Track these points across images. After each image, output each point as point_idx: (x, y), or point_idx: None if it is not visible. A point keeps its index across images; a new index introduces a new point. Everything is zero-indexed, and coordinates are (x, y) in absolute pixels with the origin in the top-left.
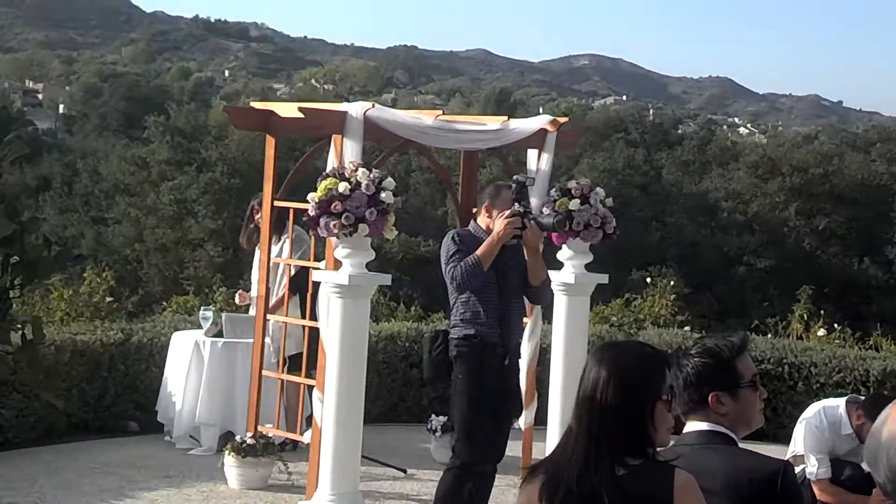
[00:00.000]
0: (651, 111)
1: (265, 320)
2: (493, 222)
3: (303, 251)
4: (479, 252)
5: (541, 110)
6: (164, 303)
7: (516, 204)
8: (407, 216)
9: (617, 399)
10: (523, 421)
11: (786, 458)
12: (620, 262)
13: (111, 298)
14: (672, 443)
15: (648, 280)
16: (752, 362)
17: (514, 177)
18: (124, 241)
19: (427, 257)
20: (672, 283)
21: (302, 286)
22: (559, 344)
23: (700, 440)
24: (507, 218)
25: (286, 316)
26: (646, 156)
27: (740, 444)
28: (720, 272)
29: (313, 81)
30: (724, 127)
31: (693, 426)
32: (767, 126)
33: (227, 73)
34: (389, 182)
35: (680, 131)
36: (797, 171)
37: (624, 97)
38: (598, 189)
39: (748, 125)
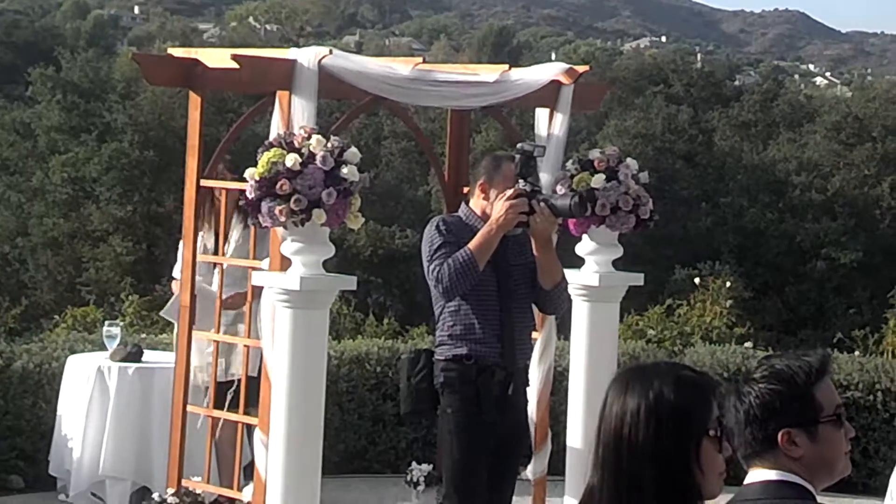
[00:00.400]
0: (699, 56)
1: (190, 336)
2: (490, 205)
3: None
4: (472, 245)
5: (553, 56)
6: (57, 316)
7: (521, 181)
8: (376, 198)
9: (650, 438)
10: (532, 470)
11: None
12: (660, 258)
13: None
14: (729, 497)
15: (697, 281)
16: (835, 390)
17: (518, 145)
18: (2, 234)
19: (404, 253)
20: (728, 284)
21: None
22: (580, 366)
23: (766, 493)
24: (508, 199)
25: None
26: (692, 116)
27: (819, 499)
28: (791, 269)
29: (251, 20)
30: (796, 76)
31: (757, 475)
32: (852, 75)
33: (136, 9)
34: (353, 153)
35: (737, 83)
36: (893, 135)
37: (663, 38)
38: (630, 160)
39: (827, 74)
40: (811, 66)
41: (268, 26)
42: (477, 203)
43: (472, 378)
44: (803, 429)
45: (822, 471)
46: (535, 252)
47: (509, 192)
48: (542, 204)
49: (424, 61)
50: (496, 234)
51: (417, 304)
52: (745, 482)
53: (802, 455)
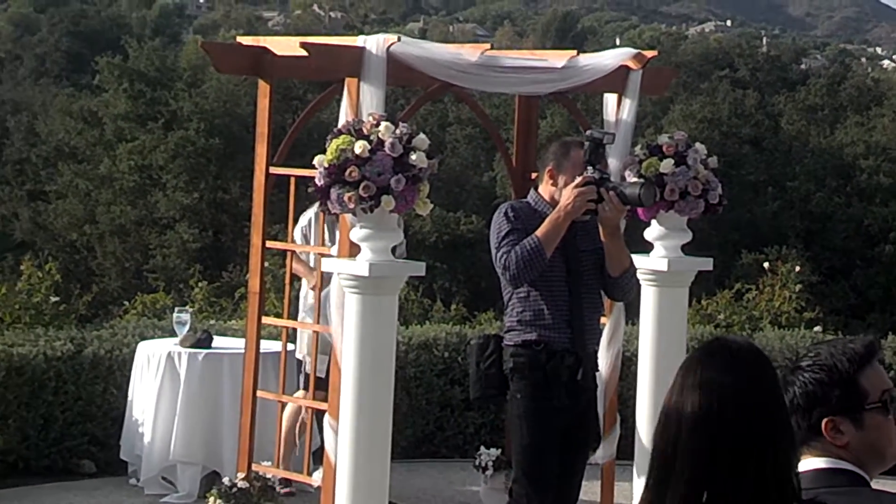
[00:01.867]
0: (765, 40)
1: (259, 322)
2: (559, 192)
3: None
4: (539, 232)
5: (618, 41)
6: (126, 303)
7: (590, 168)
8: (442, 185)
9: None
10: (602, 454)
11: None
12: (726, 242)
13: (56, 298)
14: None
15: (766, 265)
16: (885, 375)
17: (587, 132)
18: (71, 222)
19: (469, 239)
20: (798, 268)
21: None
22: (648, 351)
23: (818, 482)
24: (577, 187)
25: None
26: (758, 100)
27: (873, 485)
28: (859, 253)
29: (315, 8)
30: (863, 60)
31: (808, 464)
32: None
33: None
34: (422, 140)
35: (804, 66)
36: None
37: (728, 22)
38: (698, 145)
39: (894, 57)
40: (878, 49)
41: (332, 14)
42: (546, 189)
43: (541, 363)
44: (847, 416)
45: (872, 457)
46: (602, 239)
47: (578, 179)
48: (610, 192)
49: (492, 48)
50: (564, 221)
51: (483, 289)
52: (798, 470)
53: (849, 442)
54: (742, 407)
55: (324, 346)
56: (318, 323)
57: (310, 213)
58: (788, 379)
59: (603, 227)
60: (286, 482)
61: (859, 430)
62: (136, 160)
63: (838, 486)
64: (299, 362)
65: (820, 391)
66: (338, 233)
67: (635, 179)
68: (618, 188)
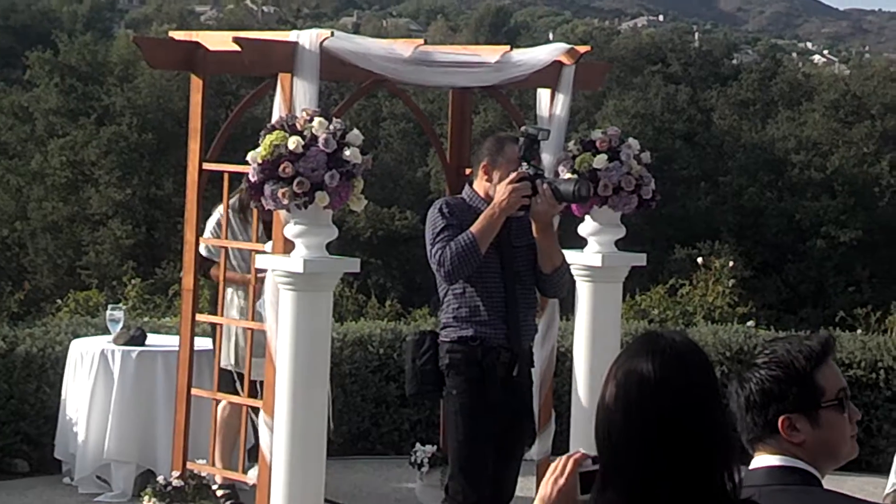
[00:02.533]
0: (696, 35)
1: (193, 320)
2: (493, 187)
3: None
4: (474, 228)
5: (551, 36)
6: (59, 300)
7: (524, 164)
8: (376, 180)
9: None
10: (537, 450)
11: (885, 496)
12: (659, 237)
13: None
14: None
15: (700, 260)
16: (840, 373)
17: (522, 128)
18: (1, 218)
19: (404, 234)
20: (731, 263)
21: None
22: (583, 347)
23: (770, 479)
24: (511, 183)
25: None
26: (691, 95)
27: (824, 483)
28: (791, 248)
29: (248, 2)
30: (794, 55)
31: (761, 461)
32: (851, 53)
33: None
34: (356, 135)
35: (735, 61)
36: (892, 113)
37: (660, 17)
38: (632, 140)
39: (825, 52)
40: (809, 45)
41: (265, 8)
42: (480, 184)
43: (477, 359)
44: (804, 414)
45: (826, 455)
46: (535, 235)
47: (513, 174)
48: (545, 187)
49: (425, 43)
50: (499, 217)
51: (418, 285)
52: (750, 467)
53: (804, 440)
54: (659, 398)
55: (258, 350)
56: (251, 320)
57: (218, 212)
58: (745, 376)
59: (535, 222)
60: (230, 493)
61: (815, 428)
62: (67, 156)
63: (791, 483)
64: (226, 372)
65: (777, 388)
66: (250, 230)
67: (569, 175)
68: (552, 184)
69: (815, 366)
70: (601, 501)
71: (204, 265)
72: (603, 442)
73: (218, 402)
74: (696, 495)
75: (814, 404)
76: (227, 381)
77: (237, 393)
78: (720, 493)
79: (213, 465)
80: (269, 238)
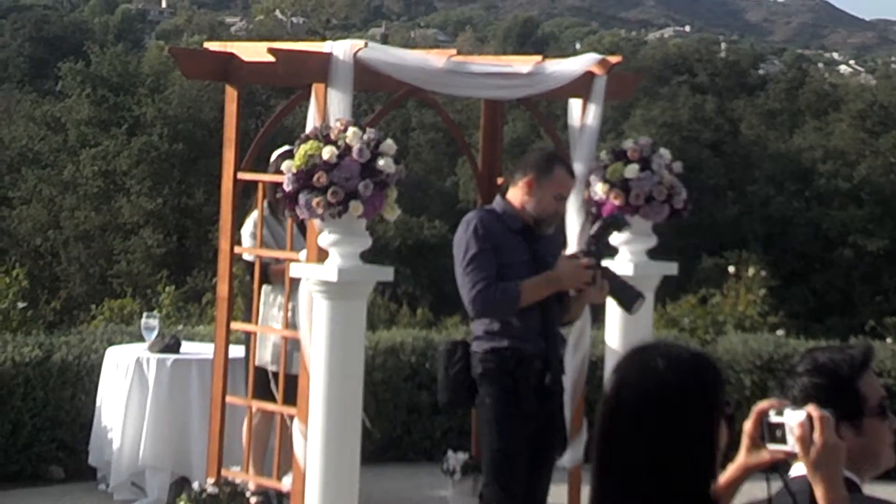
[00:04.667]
0: (723, 45)
1: (228, 328)
2: (532, 202)
3: None
4: (525, 287)
5: (578, 46)
6: (92, 307)
7: (593, 246)
8: (405, 190)
9: (668, 424)
10: (569, 459)
11: None
12: (687, 246)
13: (24, 304)
14: (774, 491)
15: (731, 270)
16: (878, 382)
17: (608, 215)
18: (35, 227)
19: (432, 244)
20: (762, 273)
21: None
22: (614, 355)
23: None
24: (582, 266)
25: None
26: (718, 105)
27: (865, 491)
28: (818, 257)
29: (277, 13)
30: (820, 65)
31: (801, 468)
32: (877, 63)
33: (163, 3)
34: (389, 145)
35: (762, 72)
36: None
37: (687, 27)
38: (663, 150)
39: (851, 62)
40: (835, 55)
41: (294, 19)
42: (518, 197)
43: (510, 369)
44: (848, 422)
45: (868, 463)
46: (571, 295)
47: (583, 259)
48: (604, 279)
49: (458, 53)
50: (553, 288)
51: (447, 294)
52: (792, 475)
53: (848, 448)
54: (662, 392)
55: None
56: (286, 328)
57: (252, 219)
58: (787, 383)
59: (579, 301)
60: (262, 500)
61: (858, 435)
62: (99, 166)
63: None
64: (260, 371)
65: (822, 396)
66: (285, 224)
67: (629, 283)
68: (615, 279)
69: (857, 374)
70: (597, 491)
71: (261, 270)
72: (603, 433)
73: (252, 409)
74: (687, 495)
75: (858, 412)
76: (262, 382)
77: (271, 392)
78: (705, 499)
79: (248, 472)
80: (304, 235)
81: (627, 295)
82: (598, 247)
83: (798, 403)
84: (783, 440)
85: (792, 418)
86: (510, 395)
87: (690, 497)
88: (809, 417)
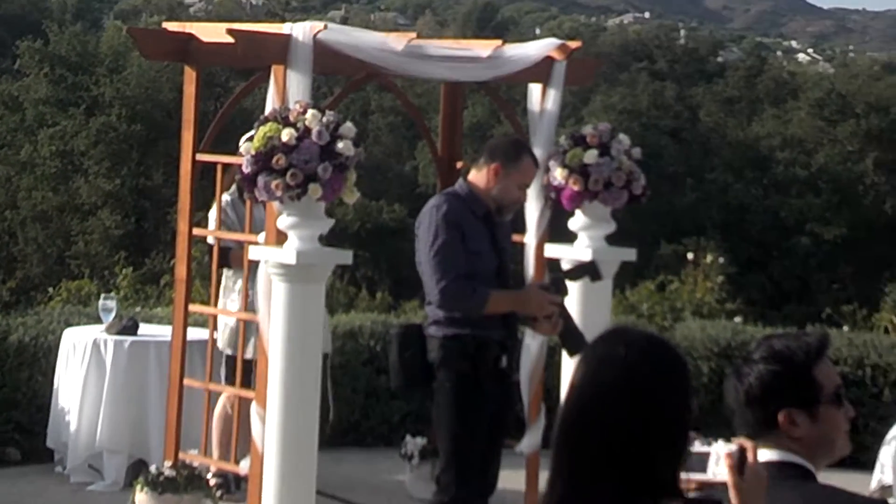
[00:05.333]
0: (682, 32)
1: (186, 310)
2: (498, 189)
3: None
4: (495, 296)
5: (538, 31)
6: (49, 289)
7: (563, 286)
8: (364, 173)
9: (630, 416)
10: (527, 443)
11: (872, 492)
12: (645, 233)
13: None
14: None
15: (689, 256)
16: (834, 369)
17: (579, 262)
18: None
19: (391, 227)
20: (720, 260)
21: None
22: None
23: (769, 473)
24: (549, 301)
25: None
26: (677, 92)
27: (819, 478)
28: (776, 245)
29: None
30: (779, 53)
31: (759, 455)
32: (835, 52)
33: None
34: (349, 128)
35: (721, 59)
36: (876, 112)
37: (646, 14)
38: (622, 136)
39: (810, 50)
40: (793, 43)
41: (253, 0)
42: (481, 179)
43: (470, 353)
44: (804, 409)
45: (823, 450)
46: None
47: (555, 297)
48: (560, 320)
49: (418, 36)
50: (515, 308)
51: (405, 278)
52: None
53: (803, 435)
54: (628, 382)
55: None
56: (244, 311)
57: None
58: (743, 370)
59: (534, 329)
60: (221, 482)
61: (814, 422)
62: (57, 146)
63: (789, 478)
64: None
65: (777, 383)
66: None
67: (583, 335)
68: (569, 323)
69: (813, 362)
70: (551, 491)
71: (222, 254)
72: (565, 424)
73: (210, 392)
74: (647, 487)
75: (813, 400)
76: (227, 366)
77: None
78: (671, 487)
79: (206, 454)
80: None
81: (575, 341)
82: (564, 286)
83: (754, 391)
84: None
85: (721, 448)
86: (470, 379)
87: (657, 484)
88: (741, 448)
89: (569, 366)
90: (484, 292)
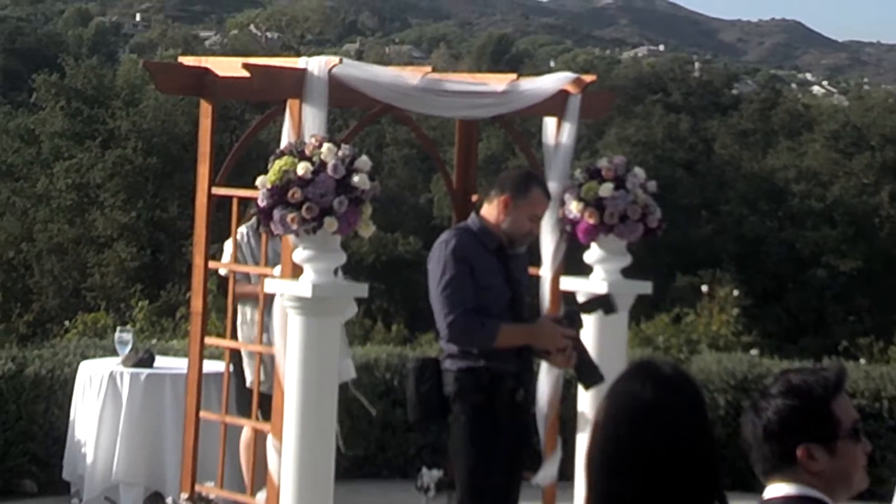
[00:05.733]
0: (697, 65)
1: (202, 343)
2: (508, 222)
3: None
4: (506, 329)
5: (552, 64)
6: (65, 322)
7: (579, 320)
8: (379, 206)
9: (672, 451)
10: (544, 475)
11: None
12: (660, 265)
13: None
14: None
15: (705, 289)
16: (851, 404)
17: (606, 294)
18: (7, 240)
19: (406, 259)
20: (735, 292)
21: None
22: None
23: None
24: (562, 334)
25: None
26: (692, 124)
27: None
28: (791, 277)
29: (252, 28)
30: (793, 85)
31: (776, 489)
32: (849, 84)
33: (138, 16)
34: (364, 161)
35: (735, 91)
36: (891, 144)
37: (661, 47)
38: (637, 169)
39: (824, 83)
40: (808, 76)
41: (269, 34)
42: (492, 213)
43: (484, 386)
44: (822, 444)
45: (841, 485)
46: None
47: (569, 331)
48: (574, 353)
49: (434, 70)
50: (528, 342)
51: (420, 310)
52: (765, 497)
53: (821, 470)
54: (652, 422)
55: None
56: (260, 344)
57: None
58: (760, 405)
59: (549, 362)
60: None
61: (832, 457)
62: (73, 178)
63: None
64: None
65: (796, 418)
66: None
67: (598, 366)
68: (583, 356)
69: (831, 396)
70: None
71: (226, 287)
72: (593, 464)
73: (226, 424)
74: None
75: (832, 435)
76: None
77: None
78: None
79: (224, 487)
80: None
81: (591, 374)
82: (579, 319)
83: (772, 426)
84: None
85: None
86: (485, 412)
87: None
88: None
89: (585, 398)
90: (494, 326)
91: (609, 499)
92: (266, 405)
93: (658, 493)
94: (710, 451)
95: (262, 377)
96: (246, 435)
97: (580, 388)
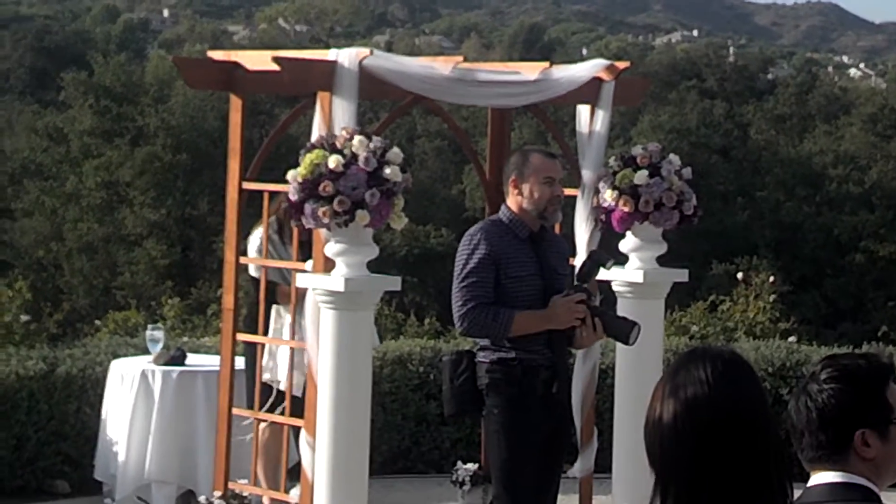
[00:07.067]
0: (731, 50)
1: (234, 339)
2: (525, 200)
3: None
4: (518, 317)
5: (584, 52)
6: (96, 321)
7: (584, 284)
8: (410, 198)
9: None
10: (579, 468)
11: None
12: (697, 253)
13: (27, 317)
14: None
15: (740, 276)
16: None
17: (592, 252)
18: (37, 239)
19: (439, 252)
20: (772, 279)
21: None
22: (625, 363)
23: (832, 496)
24: (573, 301)
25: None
26: (727, 109)
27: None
28: (829, 263)
29: (281, 21)
30: (830, 68)
31: (821, 478)
32: (887, 66)
33: (166, 12)
34: (395, 154)
35: (771, 76)
36: None
37: (695, 32)
38: (672, 156)
39: (861, 65)
40: (845, 58)
41: (297, 27)
42: (513, 200)
43: (517, 378)
44: (876, 429)
45: (890, 470)
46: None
47: (574, 295)
48: (596, 319)
49: (465, 60)
50: (546, 326)
51: None
52: (809, 485)
53: (875, 456)
54: (716, 411)
55: (300, 364)
56: (293, 339)
57: (258, 233)
58: (809, 390)
59: (580, 345)
60: None
61: (885, 443)
62: (102, 176)
63: (853, 500)
64: (268, 387)
65: (854, 403)
66: (290, 250)
67: (624, 315)
68: (605, 316)
69: (884, 382)
70: None
71: (269, 289)
72: (656, 456)
73: (260, 421)
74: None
75: (886, 420)
76: (267, 397)
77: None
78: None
79: (255, 484)
80: (305, 258)
81: (623, 328)
82: (587, 286)
83: (831, 411)
84: None
85: None
86: (517, 405)
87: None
88: None
89: (622, 387)
90: (507, 315)
91: (678, 488)
92: (291, 403)
93: (725, 478)
94: (772, 432)
95: (281, 375)
96: (263, 434)
97: (616, 378)
